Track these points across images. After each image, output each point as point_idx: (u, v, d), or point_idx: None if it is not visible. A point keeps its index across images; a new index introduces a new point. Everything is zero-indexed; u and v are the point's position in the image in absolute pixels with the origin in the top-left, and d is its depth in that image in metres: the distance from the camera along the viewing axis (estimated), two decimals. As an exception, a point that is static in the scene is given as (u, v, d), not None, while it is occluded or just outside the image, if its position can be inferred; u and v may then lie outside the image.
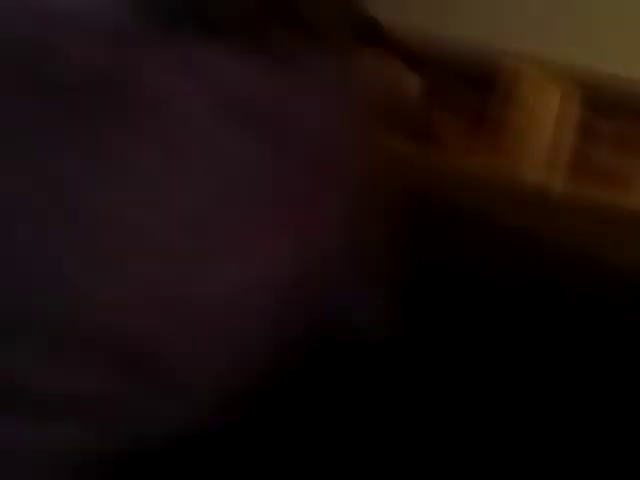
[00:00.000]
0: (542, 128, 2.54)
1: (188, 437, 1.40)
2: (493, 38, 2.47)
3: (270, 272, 1.47)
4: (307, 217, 1.51)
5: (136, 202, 1.49)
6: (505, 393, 1.56)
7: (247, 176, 1.51)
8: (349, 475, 1.51)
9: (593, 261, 1.66)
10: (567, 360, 1.56)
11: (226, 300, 1.49)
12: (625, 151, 2.54)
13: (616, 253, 1.70)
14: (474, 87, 2.53)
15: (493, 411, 1.54)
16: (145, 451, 1.36)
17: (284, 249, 1.49)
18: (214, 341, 1.50)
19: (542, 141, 2.54)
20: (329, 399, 1.58)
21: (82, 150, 1.40)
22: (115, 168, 1.41)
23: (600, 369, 1.58)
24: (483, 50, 2.43)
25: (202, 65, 1.51)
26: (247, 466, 1.48)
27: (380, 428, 1.55)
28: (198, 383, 1.47)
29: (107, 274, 1.48)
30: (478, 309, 1.62)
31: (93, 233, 1.44)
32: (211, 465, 1.44)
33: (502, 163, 2.46)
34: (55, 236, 1.38)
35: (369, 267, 1.58)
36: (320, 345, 1.57)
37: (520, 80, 2.51)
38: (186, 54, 1.50)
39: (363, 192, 1.59)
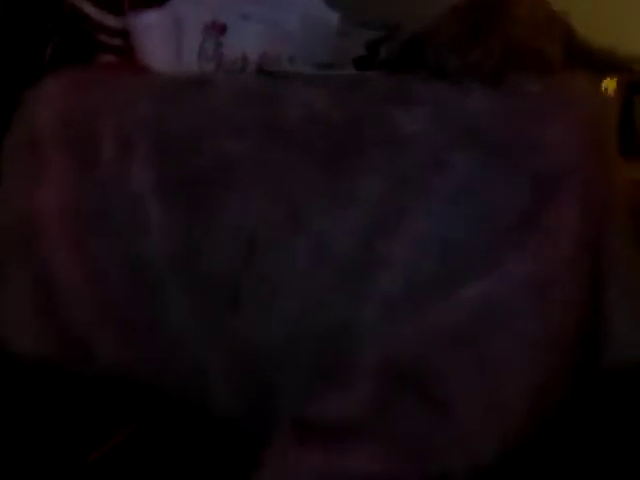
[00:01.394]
0: None
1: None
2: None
3: (518, 283, 1.53)
4: (549, 230, 1.55)
5: (374, 230, 1.58)
6: None
7: (480, 194, 1.56)
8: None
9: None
10: None
11: (477, 316, 1.54)
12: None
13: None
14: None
15: None
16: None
17: (528, 264, 1.54)
18: (481, 364, 1.53)
19: None
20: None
21: (314, 184, 1.63)
22: (345, 199, 1.61)
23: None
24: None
25: (427, 100, 1.64)
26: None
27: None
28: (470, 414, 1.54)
29: (358, 300, 1.60)
30: None
31: (335, 260, 1.62)
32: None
33: None
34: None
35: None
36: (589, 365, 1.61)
37: None
38: (412, 94, 1.66)
39: (604, 205, 1.60)
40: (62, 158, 1.84)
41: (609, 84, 1.89)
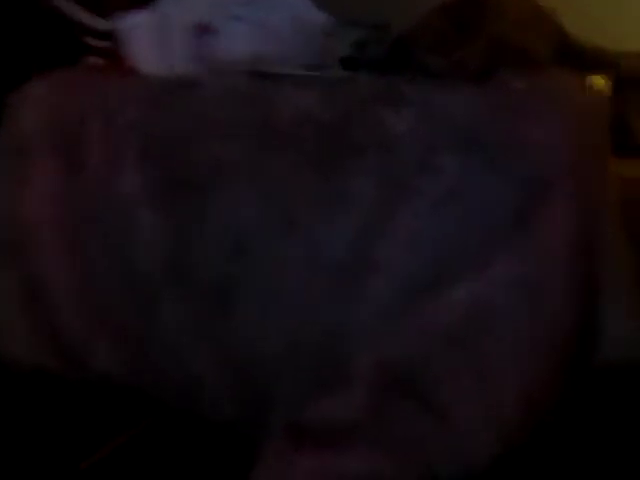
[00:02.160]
0: None
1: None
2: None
3: (506, 282, 1.52)
4: (540, 231, 1.53)
5: (366, 232, 1.58)
6: None
7: (469, 194, 1.55)
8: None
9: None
10: None
11: (468, 317, 1.53)
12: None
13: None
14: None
15: None
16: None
17: (518, 265, 1.53)
18: (474, 366, 1.53)
19: None
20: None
21: (306, 186, 1.63)
22: (337, 201, 1.60)
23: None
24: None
25: (414, 101, 1.63)
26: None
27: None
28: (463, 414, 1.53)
29: (352, 304, 1.59)
30: None
31: (328, 263, 1.61)
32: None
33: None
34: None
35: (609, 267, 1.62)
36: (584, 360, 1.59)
37: None
38: (401, 95, 1.65)
39: (596, 205, 1.59)
40: (49, 161, 1.82)
41: (600, 81, 1.87)
